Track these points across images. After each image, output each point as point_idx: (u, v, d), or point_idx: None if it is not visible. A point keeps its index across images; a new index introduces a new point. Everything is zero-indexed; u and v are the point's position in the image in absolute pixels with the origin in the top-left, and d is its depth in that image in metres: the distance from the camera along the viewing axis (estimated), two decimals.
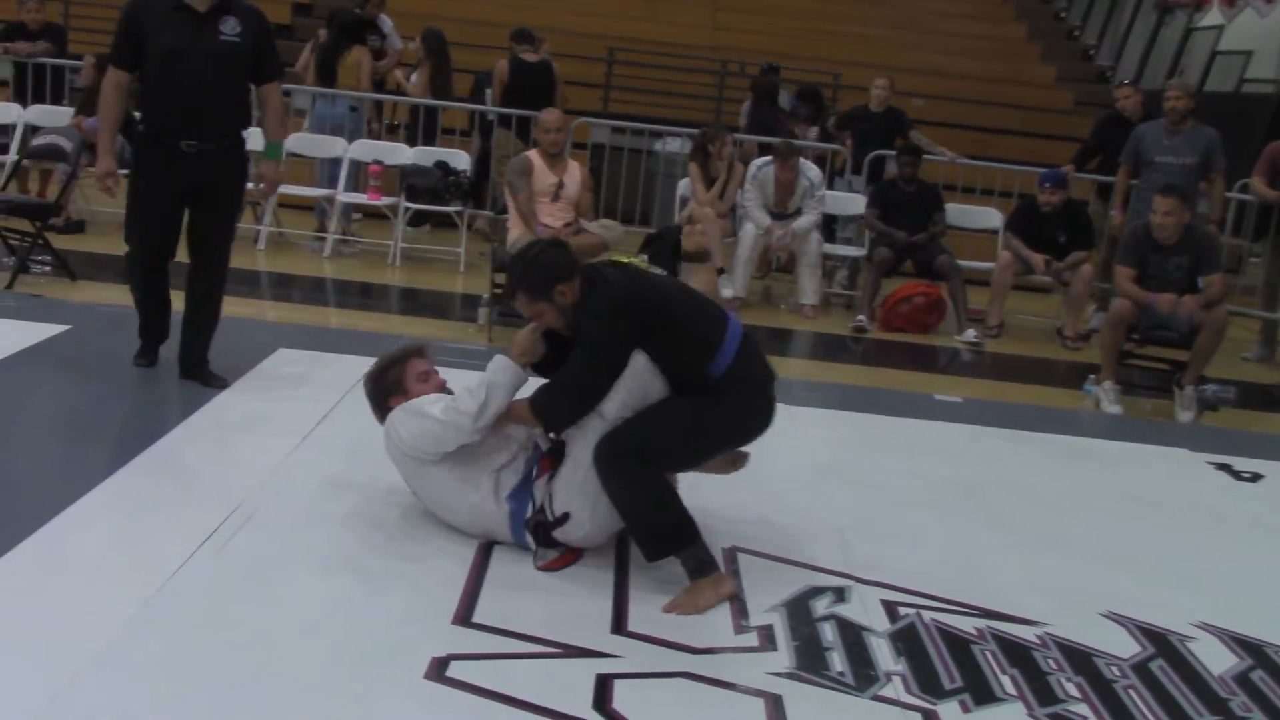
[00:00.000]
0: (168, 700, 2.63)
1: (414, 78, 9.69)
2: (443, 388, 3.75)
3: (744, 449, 3.82)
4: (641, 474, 3.38)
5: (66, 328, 5.47)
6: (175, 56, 4.57)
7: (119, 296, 5.49)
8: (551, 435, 3.58)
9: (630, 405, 3.41)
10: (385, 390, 3.74)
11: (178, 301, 4.97)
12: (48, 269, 6.73)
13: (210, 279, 4.94)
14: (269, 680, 2.75)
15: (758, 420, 3.61)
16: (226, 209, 4.98)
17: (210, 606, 3.06)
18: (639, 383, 3.41)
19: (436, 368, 3.82)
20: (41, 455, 4.18)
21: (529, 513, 3.49)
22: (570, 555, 3.56)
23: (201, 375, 4.91)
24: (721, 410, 3.50)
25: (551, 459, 3.54)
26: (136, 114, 4.86)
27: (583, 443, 3.43)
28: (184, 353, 4.94)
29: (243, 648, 2.87)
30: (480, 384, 3.48)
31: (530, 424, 3.55)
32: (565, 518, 3.46)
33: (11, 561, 3.19)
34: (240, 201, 5.20)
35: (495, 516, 3.53)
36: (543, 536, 3.51)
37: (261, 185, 5.26)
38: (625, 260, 3.76)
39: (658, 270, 3.91)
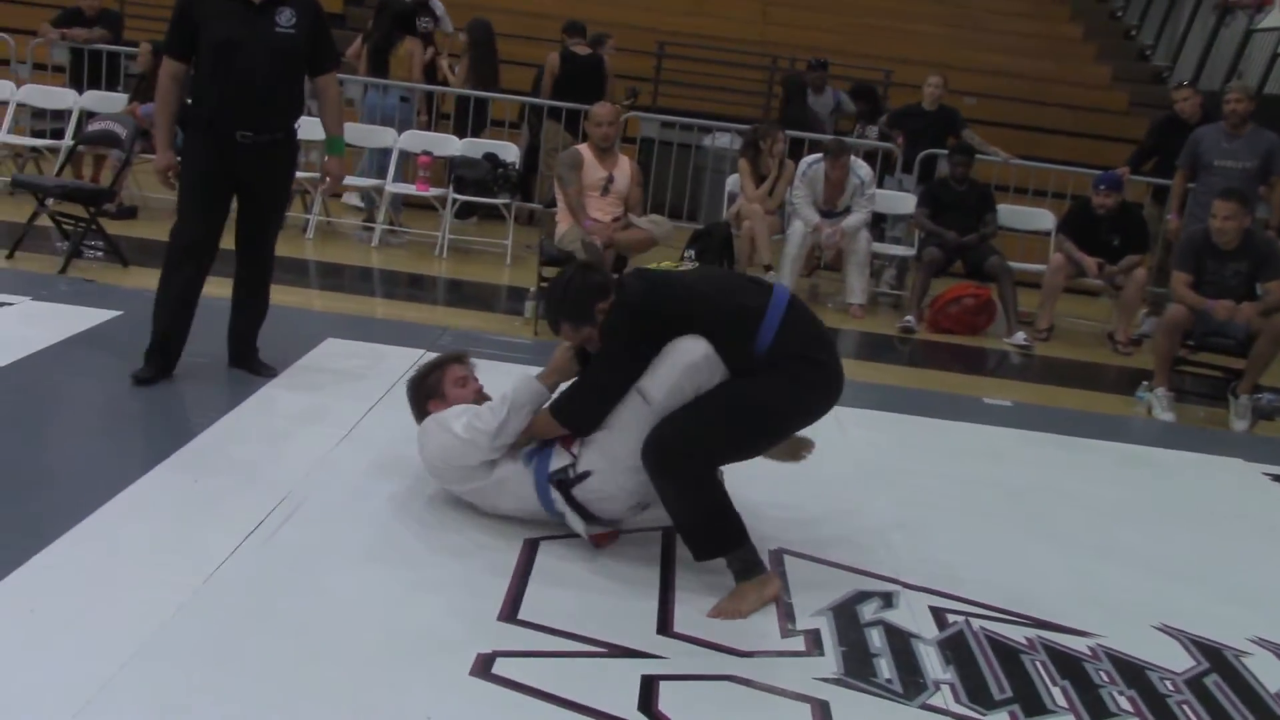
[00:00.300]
0: (213, 690, 2.63)
1: (457, 69, 9.70)
2: (480, 393, 3.82)
3: (808, 438, 3.78)
4: (691, 474, 3.34)
5: (118, 313, 5.52)
6: (231, 47, 4.55)
7: None
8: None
9: (682, 391, 3.34)
10: (425, 395, 3.84)
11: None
12: (100, 254, 6.80)
13: (262, 268, 4.97)
14: (313, 673, 2.75)
15: (815, 394, 3.51)
16: (278, 201, 5.01)
17: (256, 598, 3.07)
18: (690, 368, 3.33)
19: (476, 375, 3.91)
20: (91, 442, 4.22)
21: (553, 467, 3.48)
22: (614, 531, 3.59)
23: (251, 364, 4.94)
24: (772, 392, 3.39)
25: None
26: (188, 102, 4.84)
27: (616, 413, 3.42)
28: (234, 340, 4.97)
29: (287, 639, 2.88)
30: (502, 401, 3.51)
31: (554, 434, 3.53)
32: (586, 475, 3.43)
33: (60, 549, 3.21)
34: (290, 192, 5.20)
35: (522, 479, 3.53)
36: (566, 495, 3.46)
37: (327, 179, 5.25)
38: (654, 267, 3.74)
39: (691, 266, 3.88)
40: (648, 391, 3.36)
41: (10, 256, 6.74)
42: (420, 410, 3.83)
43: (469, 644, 2.94)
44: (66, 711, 2.48)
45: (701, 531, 3.38)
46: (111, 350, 4.97)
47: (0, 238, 7.25)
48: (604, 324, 3.44)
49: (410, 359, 5.17)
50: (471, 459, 3.55)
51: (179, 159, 4.74)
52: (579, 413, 3.48)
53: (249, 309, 4.98)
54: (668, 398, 3.34)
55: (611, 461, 3.41)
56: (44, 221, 6.90)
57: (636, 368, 3.38)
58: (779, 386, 3.40)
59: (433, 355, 4.02)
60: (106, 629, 2.82)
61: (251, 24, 4.57)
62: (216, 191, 4.74)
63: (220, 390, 4.73)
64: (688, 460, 3.33)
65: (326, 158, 5.18)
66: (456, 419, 3.59)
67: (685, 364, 3.33)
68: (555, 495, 3.48)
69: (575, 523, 3.49)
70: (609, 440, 3.43)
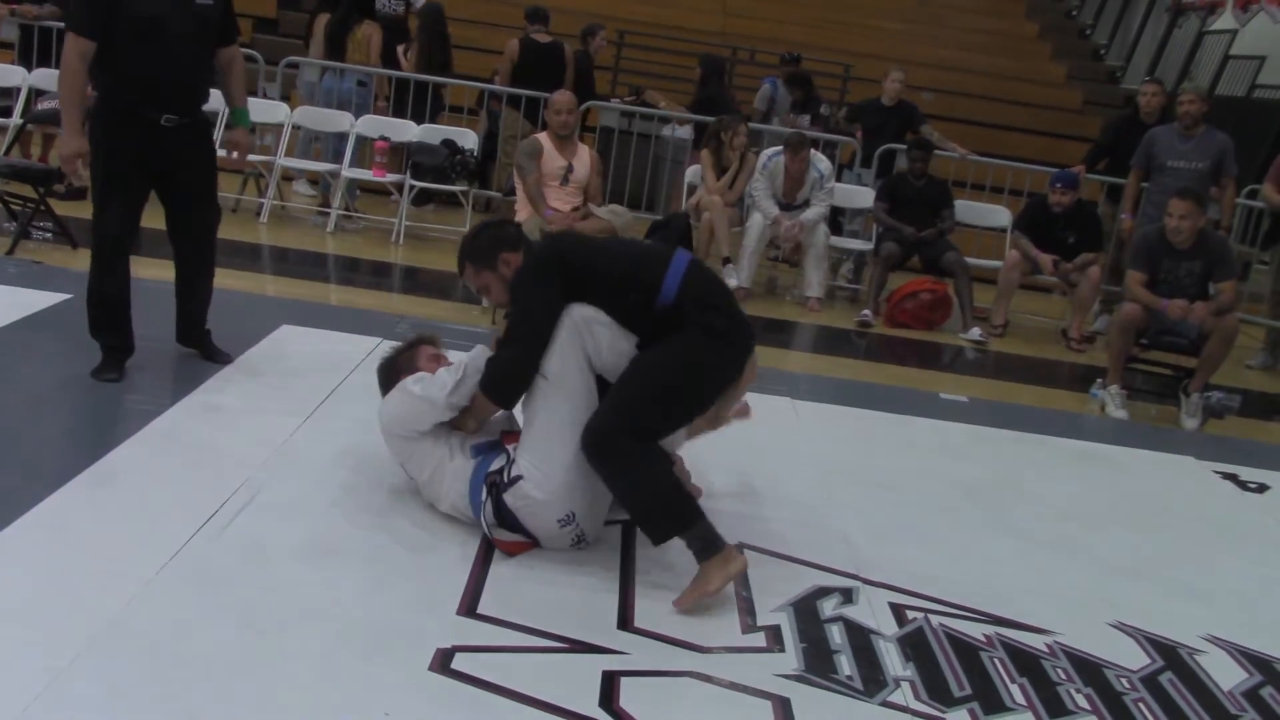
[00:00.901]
0: (166, 684, 2.58)
1: (409, 53, 9.59)
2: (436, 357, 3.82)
3: (744, 402, 3.78)
4: (630, 453, 3.30)
5: (67, 296, 5.39)
6: (156, 24, 4.28)
7: (135, 268, 5.39)
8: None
9: (574, 355, 3.35)
10: (395, 374, 3.73)
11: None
12: (49, 236, 6.66)
13: (208, 256, 4.82)
14: (270, 667, 2.71)
15: (730, 344, 3.46)
16: (210, 183, 4.79)
17: (212, 589, 3.02)
18: (572, 328, 3.35)
19: (448, 357, 3.83)
20: (40, 427, 4.12)
21: (492, 467, 3.45)
22: (527, 544, 3.47)
23: (204, 347, 4.85)
24: (688, 349, 3.37)
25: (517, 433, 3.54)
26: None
27: (531, 405, 3.43)
28: (183, 319, 4.85)
29: (243, 632, 2.83)
30: (459, 365, 3.53)
31: (489, 412, 3.54)
32: (518, 479, 3.38)
33: (9, 537, 3.14)
34: (216, 171, 4.87)
35: (459, 471, 3.49)
36: (496, 499, 3.40)
37: (234, 154, 4.94)
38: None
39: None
40: (543, 367, 3.36)
41: None
42: (389, 389, 3.75)
43: (428, 638, 2.90)
44: (18, 704, 2.42)
45: (653, 512, 3.34)
46: (60, 334, 4.86)
47: None
48: (513, 279, 3.48)
49: (367, 347, 5.12)
50: (425, 419, 3.51)
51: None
52: (504, 385, 3.46)
53: (198, 293, 4.84)
54: (562, 366, 3.34)
55: (539, 461, 3.36)
56: None
57: (548, 320, 3.37)
58: (693, 342, 3.38)
59: (390, 343, 3.94)
60: (58, 620, 2.76)
61: None
62: (140, 180, 4.51)
63: (173, 376, 4.64)
64: (623, 438, 3.29)
65: (235, 130, 4.90)
66: (415, 382, 3.57)
67: (567, 325, 3.35)
68: (484, 494, 3.42)
69: (485, 521, 3.42)
70: (532, 437, 3.41)
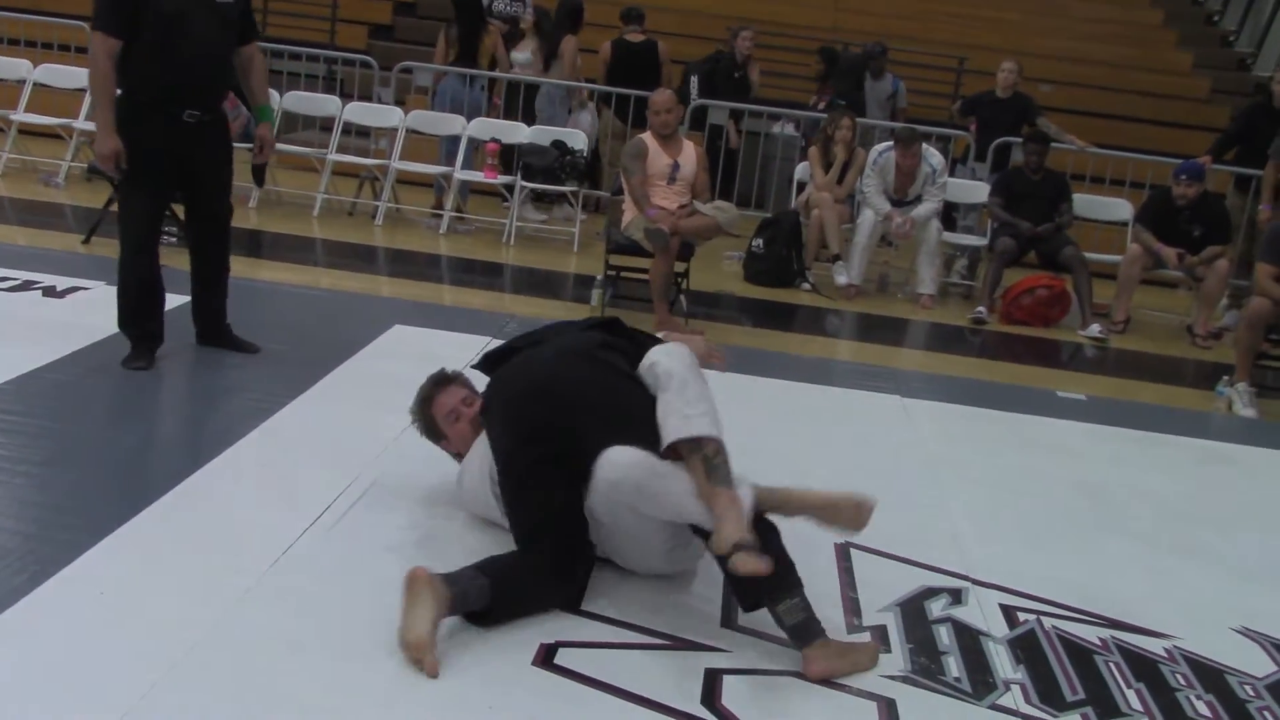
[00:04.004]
0: (276, 676, 2.64)
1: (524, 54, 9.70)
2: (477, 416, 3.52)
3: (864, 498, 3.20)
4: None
5: (188, 299, 5.57)
6: (182, 20, 4.35)
7: (253, 270, 5.56)
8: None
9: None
10: (434, 438, 3.67)
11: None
12: (174, 240, 6.86)
13: (225, 252, 4.91)
14: (377, 660, 2.75)
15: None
16: (227, 181, 4.85)
17: (323, 582, 3.08)
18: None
19: (468, 393, 3.63)
20: (162, 424, 4.27)
21: None
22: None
23: (229, 341, 4.91)
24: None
25: None
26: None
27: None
28: (203, 318, 4.93)
29: (352, 626, 2.88)
30: None
31: None
32: None
33: (133, 530, 3.25)
34: (232, 166, 4.92)
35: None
36: None
37: (261, 149, 4.96)
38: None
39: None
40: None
41: (86, 242, 6.85)
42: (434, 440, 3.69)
43: (531, 634, 2.92)
44: (135, 693, 2.50)
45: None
46: (183, 333, 5.01)
47: (78, 223, 7.39)
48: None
49: (477, 346, 5.18)
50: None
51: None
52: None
53: (217, 290, 4.92)
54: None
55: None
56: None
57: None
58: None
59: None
60: (174, 612, 2.84)
61: None
62: (164, 173, 4.57)
63: (288, 373, 4.74)
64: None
65: (260, 125, 4.91)
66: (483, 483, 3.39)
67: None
68: None
69: None
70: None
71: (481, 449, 3.41)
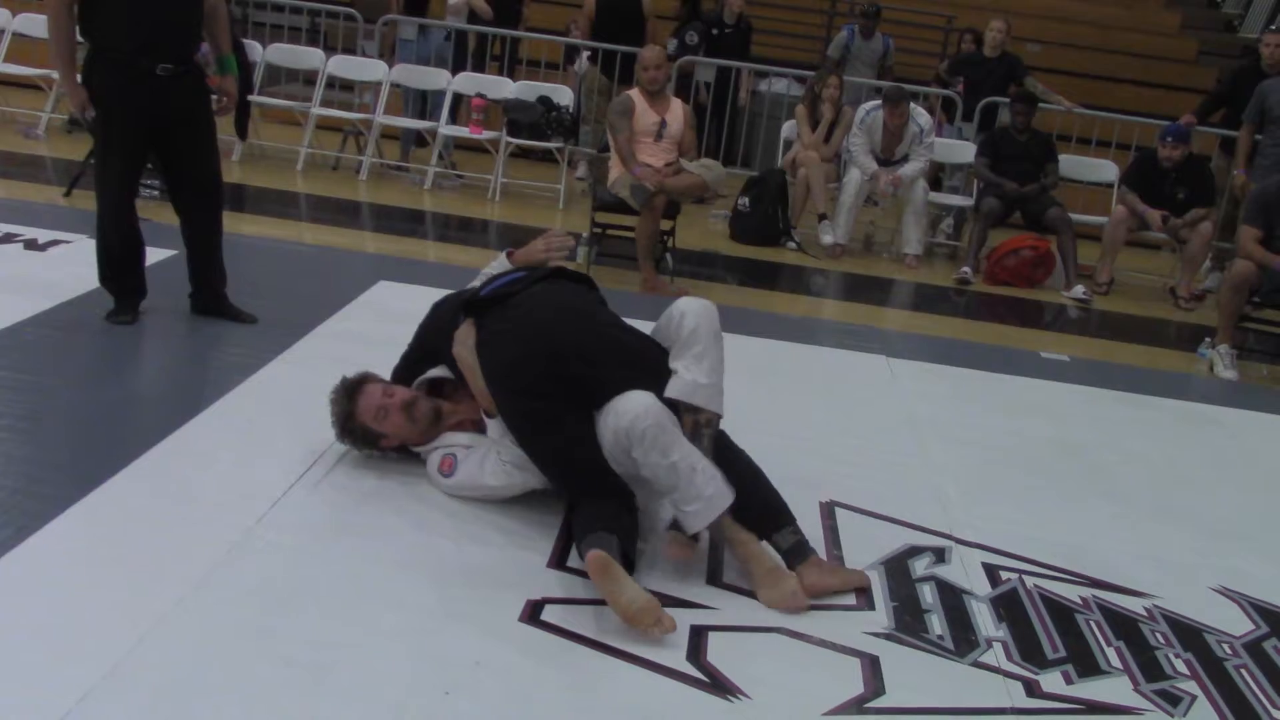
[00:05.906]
0: (265, 630, 2.65)
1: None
2: (408, 403, 3.47)
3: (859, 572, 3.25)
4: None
5: (173, 253, 5.52)
6: None
7: (236, 224, 5.51)
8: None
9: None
10: (367, 445, 3.54)
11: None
12: (155, 194, 6.80)
13: (217, 212, 4.80)
14: (363, 615, 2.76)
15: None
16: (210, 135, 4.73)
17: (309, 538, 3.09)
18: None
19: (382, 388, 3.53)
20: (147, 379, 4.25)
21: None
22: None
23: (226, 310, 4.81)
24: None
25: None
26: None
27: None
28: (200, 288, 4.82)
29: (339, 583, 2.89)
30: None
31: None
32: None
33: (119, 485, 3.25)
34: (213, 120, 4.77)
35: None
36: None
37: (223, 101, 4.76)
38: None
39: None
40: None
41: (68, 194, 6.79)
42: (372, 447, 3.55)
43: (518, 590, 2.94)
44: (123, 647, 2.50)
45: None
46: (165, 289, 4.98)
47: (59, 175, 7.33)
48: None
49: None
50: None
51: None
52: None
53: (212, 258, 4.80)
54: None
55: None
56: None
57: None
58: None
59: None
60: (161, 567, 2.85)
61: None
62: (140, 132, 4.48)
63: (273, 331, 4.73)
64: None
65: (223, 78, 4.76)
66: (480, 471, 3.37)
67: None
68: None
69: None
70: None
71: (466, 439, 3.45)
